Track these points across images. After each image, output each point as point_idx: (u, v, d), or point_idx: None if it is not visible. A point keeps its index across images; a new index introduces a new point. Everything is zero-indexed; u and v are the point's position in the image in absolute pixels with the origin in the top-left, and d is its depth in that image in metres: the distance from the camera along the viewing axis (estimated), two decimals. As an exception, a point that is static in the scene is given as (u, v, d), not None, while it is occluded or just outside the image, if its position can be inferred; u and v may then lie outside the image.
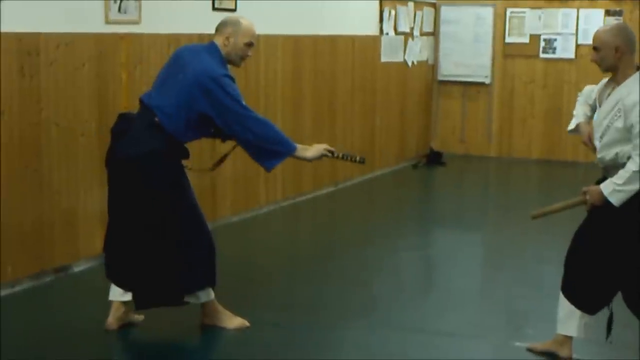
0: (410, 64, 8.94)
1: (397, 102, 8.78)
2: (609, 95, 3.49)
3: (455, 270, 5.21)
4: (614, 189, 3.35)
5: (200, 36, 5.68)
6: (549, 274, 4.96)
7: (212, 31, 5.74)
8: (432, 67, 9.55)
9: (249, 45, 3.75)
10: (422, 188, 8.45)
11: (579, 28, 9.06)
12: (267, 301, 4.41)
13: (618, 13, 8.93)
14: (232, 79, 3.71)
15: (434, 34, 9.51)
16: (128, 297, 3.83)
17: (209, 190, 5.87)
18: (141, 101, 3.78)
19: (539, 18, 9.21)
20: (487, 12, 9.35)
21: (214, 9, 5.79)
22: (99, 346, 3.76)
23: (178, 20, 5.47)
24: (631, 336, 3.89)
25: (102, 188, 4.92)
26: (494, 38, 9.36)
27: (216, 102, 3.60)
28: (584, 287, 3.55)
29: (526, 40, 9.28)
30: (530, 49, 9.25)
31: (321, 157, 3.84)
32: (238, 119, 3.63)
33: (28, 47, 4.37)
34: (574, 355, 3.66)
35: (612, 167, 3.44)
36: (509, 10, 9.33)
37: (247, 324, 3.94)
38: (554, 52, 9.20)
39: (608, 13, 8.96)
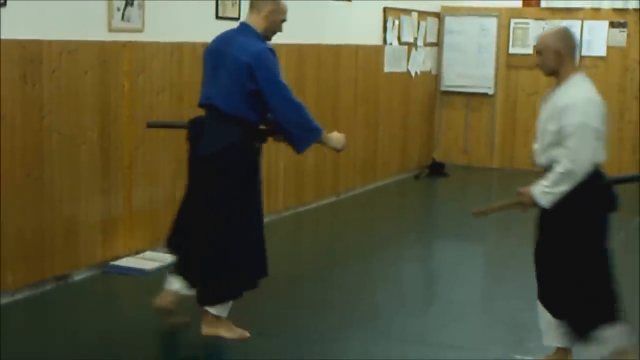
0: (413, 74, 8.93)
1: (399, 112, 8.77)
2: (549, 99, 3.53)
3: (457, 282, 5.19)
4: (542, 190, 3.38)
5: (204, 45, 5.68)
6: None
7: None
8: (435, 77, 9.55)
9: (283, 21, 3.86)
10: (424, 199, 8.43)
11: (583, 39, 9.04)
12: (268, 311, 4.39)
13: (622, 24, 8.92)
14: (273, 52, 3.76)
15: (438, 44, 9.51)
16: (188, 292, 3.85)
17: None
18: (201, 105, 3.86)
19: (543, 29, 9.19)
20: (491, 23, 9.35)
21: (217, 17, 5.79)
22: (100, 355, 3.74)
23: (181, 28, 5.47)
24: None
25: (104, 196, 4.93)
26: (497, 49, 9.36)
27: (259, 77, 3.64)
28: (556, 295, 3.52)
29: (530, 51, 9.26)
30: (533, 60, 9.22)
31: (342, 149, 3.94)
32: (274, 93, 3.67)
33: (31, 54, 4.37)
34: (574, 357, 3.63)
35: (549, 171, 3.46)
36: (512, 21, 9.33)
37: (247, 334, 3.91)
38: (557, 64, 9.18)
39: (612, 24, 8.95)
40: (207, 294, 3.82)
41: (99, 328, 4.05)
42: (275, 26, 3.83)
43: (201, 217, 3.77)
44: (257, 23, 3.78)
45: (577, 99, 3.30)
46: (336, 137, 3.90)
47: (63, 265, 4.66)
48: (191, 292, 3.87)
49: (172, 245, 3.99)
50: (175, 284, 3.90)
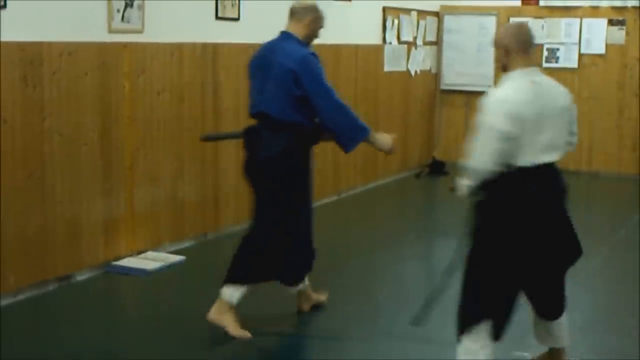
0: (413, 73, 8.94)
1: (399, 111, 8.78)
2: None
3: (458, 280, 5.19)
4: (458, 182, 3.35)
5: (204, 45, 5.70)
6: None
7: (216, 40, 5.83)
8: (435, 76, 9.56)
9: (321, 27, 4.10)
10: (424, 197, 8.44)
11: (582, 37, 9.06)
12: (270, 310, 4.40)
13: (621, 22, 8.93)
14: (316, 56, 3.92)
15: (437, 43, 9.52)
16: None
17: (211, 199, 5.88)
18: (252, 114, 4.02)
19: (542, 27, 9.21)
20: (490, 22, 9.36)
21: (217, 18, 5.81)
22: (102, 355, 3.76)
23: (181, 29, 5.49)
24: (630, 345, 3.88)
25: (105, 197, 4.94)
26: (496, 47, 9.36)
27: (304, 82, 3.82)
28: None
29: (529, 49, 9.29)
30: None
31: (390, 151, 4.06)
32: (320, 97, 3.84)
33: (31, 56, 4.38)
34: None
35: None
36: (512, 20, 9.34)
37: (249, 335, 3.94)
38: (556, 62, 9.20)
39: (611, 22, 8.96)
40: (237, 270, 3.98)
41: (101, 328, 4.07)
42: (315, 33, 4.05)
43: (260, 215, 3.98)
44: (298, 31, 3.97)
45: (491, 98, 3.14)
46: (383, 137, 4.01)
47: (65, 265, 4.68)
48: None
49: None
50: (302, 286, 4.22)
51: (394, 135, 4.10)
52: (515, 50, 3.22)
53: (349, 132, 3.90)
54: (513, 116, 3.07)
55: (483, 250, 3.24)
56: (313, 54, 3.92)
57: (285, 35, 3.98)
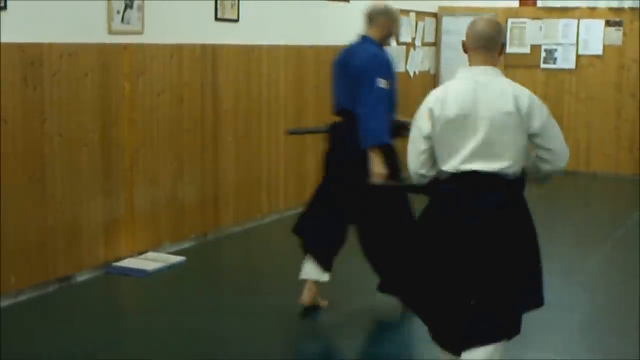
0: (412, 74, 8.96)
1: (399, 112, 8.77)
2: None
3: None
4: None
5: (203, 46, 5.71)
6: (550, 285, 4.95)
7: (215, 41, 5.84)
8: (433, 76, 9.57)
9: (397, 27, 4.41)
10: (423, 197, 8.43)
11: (580, 38, 9.09)
12: (269, 310, 4.41)
13: (618, 23, 8.96)
14: (384, 54, 4.22)
15: (436, 44, 9.53)
16: (324, 278, 4.28)
17: (211, 199, 5.88)
18: (335, 111, 4.33)
19: (540, 28, 9.24)
20: (488, 23, 9.36)
21: (216, 19, 5.82)
22: (102, 355, 3.76)
23: (181, 30, 5.49)
24: (630, 345, 3.89)
25: (105, 198, 4.94)
26: (494, 48, 9.38)
27: (362, 78, 4.07)
28: None
29: (527, 50, 9.31)
30: (531, 59, 9.28)
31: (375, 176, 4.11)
32: (364, 90, 4.09)
33: (31, 57, 4.39)
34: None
35: None
36: (510, 21, 9.36)
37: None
38: (554, 63, 9.22)
39: (608, 23, 8.99)
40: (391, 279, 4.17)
41: (102, 329, 4.07)
42: (390, 32, 4.32)
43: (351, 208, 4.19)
44: (373, 33, 4.26)
45: (427, 97, 2.98)
46: (378, 163, 4.09)
47: (65, 266, 4.68)
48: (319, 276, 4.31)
49: (298, 230, 4.37)
50: (311, 272, 4.31)
51: (386, 172, 4.12)
52: (471, 47, 2.96)
53: (366, 132, 4.06)
54: (434, 115, 2.87)
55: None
56: (380, 53, 4.19)
57: (362, 38, 4.28)
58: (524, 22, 9.30)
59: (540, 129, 2.86)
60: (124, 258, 5.07)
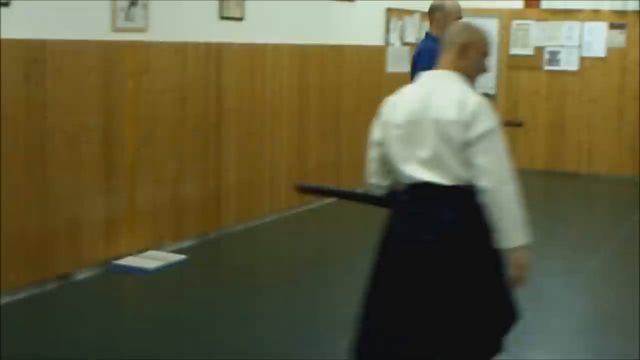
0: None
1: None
2: None
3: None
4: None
5: (207, 45, 5.70)
6: (550, 286, 4.96)
7: (219, 39, 5.83)
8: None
9: (458, 19, 4.57)
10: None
11: (583, 40, 9.07)
12: (270, 310, 4.40)
13: (621, 26, 8.95)
14: (432, 49, 4.19)
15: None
16: None
17: (213, 198, 5.87)
18: None
19: (544, 30, 9.23)
20: (492, 24, 9.36)
21: (221, 17, 5.81)
22: (102, 354, 3.75)
23: (185, 28, 5.48)
24: (630, 347, 3.88)
25: (107, 195, 4.93)
26: (499, 50, 9.38)
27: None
28: None
29: (531, 52, 9.30)
30: (534, 61, 9.26)
31: None
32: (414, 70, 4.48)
33: (34, 54, 4.38)
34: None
35: None
36: (514, 23, 9.35)
37: None
38: (557, 64, 9.21)
39: (612, 26, 8.98)
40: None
41: (102, 327, 4.06)
42: (447, 27, 4.54)
43: None
44: (433, 28, 4.68)
45: None
46: None
47: (65, 264, 4.67)
48: None
49: None
50: None
51: None
52: (443, 48, 2.73)
53: None
54: (382, 120, 2.73)
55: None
56: (428, 49, 4.38)
57: (425, 35, 4.65)
58: (528, 24, 9.28)
59: (476, 138, 2.50)
60: (125, 256, 5.06)
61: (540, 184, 8.80)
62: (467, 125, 2.52)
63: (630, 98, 8.95)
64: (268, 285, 4.93)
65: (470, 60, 2.66)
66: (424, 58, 4.34)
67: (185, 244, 5.58)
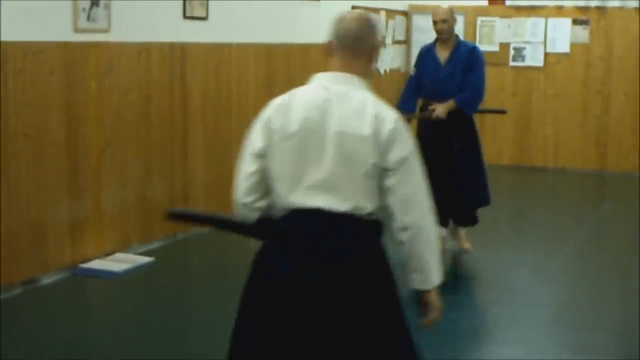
0: (382, 71, 8.98)
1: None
2: None
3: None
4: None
5: (171, 44, 5.65)
6: (520, 279, 5.01)
7: (184, 39, 5.79)
8: (404, 74, 9.59)
9: (435, 23, 5.54)
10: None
11: (547, 37, 9.18)
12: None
13: (585, 22, 9.07)
14: (421, 53, 5.71)
15: (406, 42, 9.56)
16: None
17: (180, 199, 5.83)
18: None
19: (509, 27, 9.31)
20: (458, 21, 9.39)
21: (184, 17, 5.76)
22: (70, 358, 3.70)
23: (148, 28, 5.43)
24: (596, 339, 3.92)
25: (72, 198, 4.87)
26: (464, 46, 9.43)
27: None
28: None
29: (496, 48, 9.38)
30: (500, 57, 9.35)
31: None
32: None
33: (-5, 55, 4.31)
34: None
35: None
36: (479, 19, 9.43)
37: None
38: (523, 60, 9.30)
39: (575, 22, 9.10)
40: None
41: (69, 332, 4.01)
42: (436, 32, 5.62)
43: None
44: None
45: None
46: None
47: (31, 268, 4.60)
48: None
49: None
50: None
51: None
52: (334, 47, 2.33)
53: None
54: (271, 127, 2.21)
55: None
56: (427, 47, 5.68)
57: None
58: (493, 21, 9.37)
59: (396, 164, 2.13)
60: (92, 259, 5.00)
61: (507, 179, 8.89)
62: (384, 146, 2.13)
63: (594, 93, 9.08)
64: (237, 287, 4.90)
65: (373, 62, 2.28)
66: (417, 59, 5.69)
67: (153, 245, 5.53)
